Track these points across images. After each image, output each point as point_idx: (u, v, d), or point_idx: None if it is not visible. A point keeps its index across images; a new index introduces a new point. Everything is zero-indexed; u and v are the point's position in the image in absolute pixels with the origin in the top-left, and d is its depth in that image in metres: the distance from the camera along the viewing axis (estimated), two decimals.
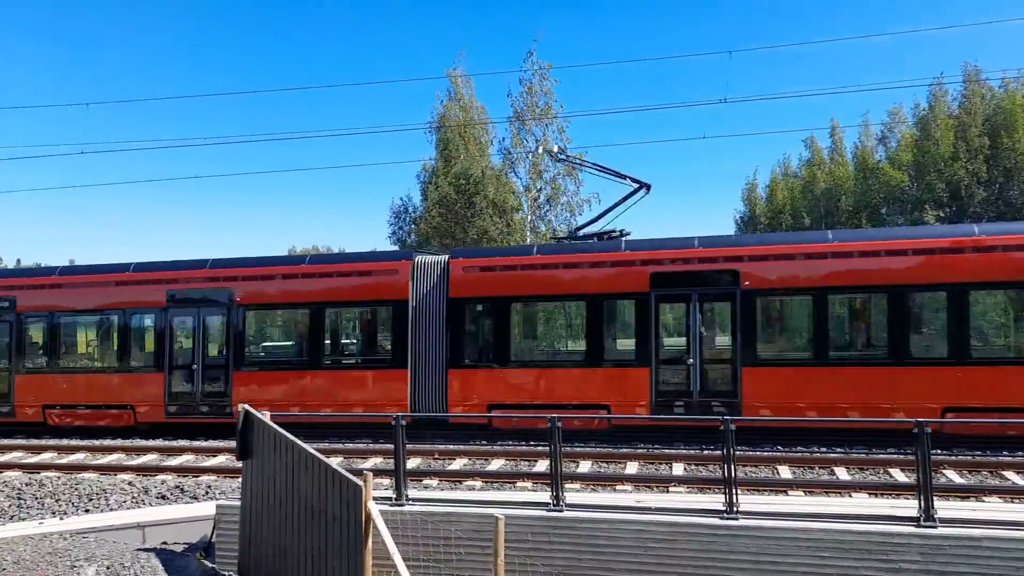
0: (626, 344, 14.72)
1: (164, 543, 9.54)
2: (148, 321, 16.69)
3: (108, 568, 8.79)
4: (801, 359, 13.78)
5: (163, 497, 11.28)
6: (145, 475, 12.49)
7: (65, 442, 15.31)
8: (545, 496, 8.46)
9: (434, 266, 15.38)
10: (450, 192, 33.47)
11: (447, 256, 15.58)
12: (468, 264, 15.14)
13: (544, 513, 7.67)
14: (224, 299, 16.00)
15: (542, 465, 12.13)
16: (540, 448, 12.85)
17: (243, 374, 15.86)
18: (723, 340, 14.55)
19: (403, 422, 8.50)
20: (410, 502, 8.32)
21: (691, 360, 13.83)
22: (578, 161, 20.70)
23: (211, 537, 9.28)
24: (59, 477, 12.35)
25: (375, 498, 6.96)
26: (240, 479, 9.18)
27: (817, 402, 13.11)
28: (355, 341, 17.00)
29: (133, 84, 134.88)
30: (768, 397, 13.37)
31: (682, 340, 14.37)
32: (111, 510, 10.88)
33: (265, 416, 8.51)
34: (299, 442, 7.69)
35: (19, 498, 11.59)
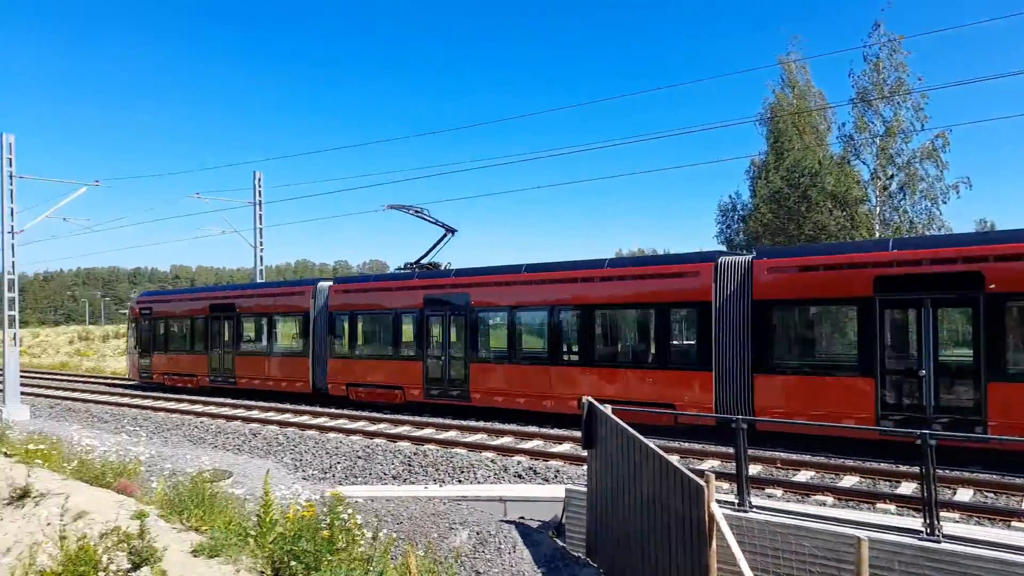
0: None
1: (521, 518, 10.60)
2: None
3: (477, 534, 10.07)
4: None
5: (519, 476, 12.56)
6: (504, 455, 14.03)
7: (440, 420, 17.90)
8: (912, 522, 7.51)
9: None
10: (782, 186, 31.53)
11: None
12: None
13: (915, 541, 6.81)
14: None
15: (905, 487, 10.82)
16: (905, 469, 11.51)
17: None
18: None
19: (743, 426, 8.26)
20: (753, 509, 8.05)
21: None
22: None
23: (561, 518, 10.06)
24: (438, 450, 14.50)
25: (717, 501, 6.89)
26: (585, 467, 9.80)
27: None
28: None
29: (488, 106, 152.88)
30: None
31: None
32: (478, 483, 12.44)
33: (607, 409, 8.97)
34: (640, 436, 7.95)
35: (409, 465, 13.88)
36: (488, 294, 18.37)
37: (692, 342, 15.67)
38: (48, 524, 7.11)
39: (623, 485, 8.37)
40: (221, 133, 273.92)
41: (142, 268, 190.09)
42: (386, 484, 13.12)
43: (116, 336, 47.62)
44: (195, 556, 6.39)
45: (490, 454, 14.13)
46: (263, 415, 19.69)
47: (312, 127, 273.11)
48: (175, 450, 15.68)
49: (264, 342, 23.90)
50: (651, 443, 7.78)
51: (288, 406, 21.04)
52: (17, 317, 21.54)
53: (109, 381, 30.83)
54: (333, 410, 19.93)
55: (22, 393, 21.61)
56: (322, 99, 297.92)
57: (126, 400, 23.23)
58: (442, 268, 21.28)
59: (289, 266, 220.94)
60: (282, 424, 18.24)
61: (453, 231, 21.69)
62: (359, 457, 14.51)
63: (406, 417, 18.38)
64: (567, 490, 10.06)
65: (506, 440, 15.53)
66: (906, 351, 13.38)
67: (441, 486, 12.33)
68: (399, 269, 22.41)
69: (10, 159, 20.96)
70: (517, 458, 13.73)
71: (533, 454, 14.03)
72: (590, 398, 9.61)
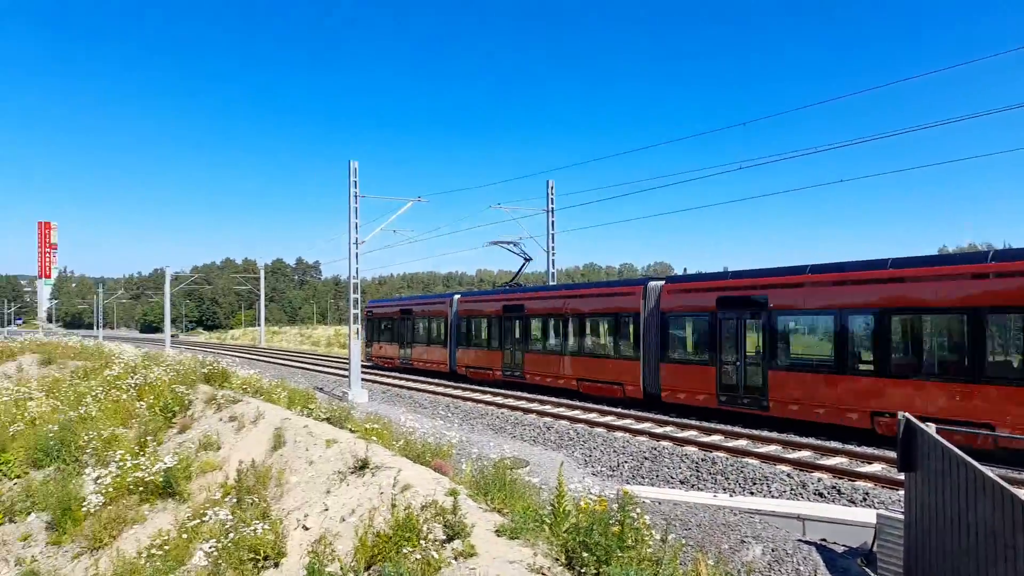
0: None
1: (823, 540, 9.74)
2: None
3: (772, 551, 9.46)
4: None
5: (819, 494, 11.55)
6: (802, 470, 13.02)
7: (729, 427, 17.21)
8: None
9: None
10: None
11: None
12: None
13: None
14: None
15: None
16: None
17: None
18: None
19: None
20: None
21: None
22: None
23: (872, 546, 9.03)
24: (727, 458, 13.96)
25: None
26: (903, 492, 8.67)
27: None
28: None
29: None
30: None
31: None
32: (772, 496, 11.71)
33: (930, 428, 7.82)
34: (973, 461, 6.79)
35: (697, 470, 13.57)
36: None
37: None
38: (381, 493, 8.29)
39: (952, 516, 7.22)
40: (518, 148, 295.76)
41: (453, 273, 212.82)
42: (673, 488, 12.98)
43: None
44: (498, 535, 6.95)
45: (785, 468, 13.21)
46: (554, 410, 20.75)
47: (602, 134, 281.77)
48: (480, 437, 17.25)
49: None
50: (987, 470, 6.61)
51: (577, 403, 21.91)
52: (360, 314, 25.49)
53: (428, 371, 35.04)
54: (620, 409, 20.28)
55: (362, 379, 25.51)
56: (608, 107, 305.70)
57: (440, 390, 26.17)
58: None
59: (578, 269, 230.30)
60: (572, 420, 19.05)
61: None
62: (646, 458, 14.56)
63: (692, 421, 18.01)
64: (879, 516, 8.99)
65: (804, 454, 14.39)
66: (732, 348, 18.58)
67: (731, 496, 11.84)
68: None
69: (355, 182, 24.91)
70: (817, 475, 12.64)
71: (837, 472, 12.79)
72: (907, 414, 8.48)
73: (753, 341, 18.22)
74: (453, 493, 7.26)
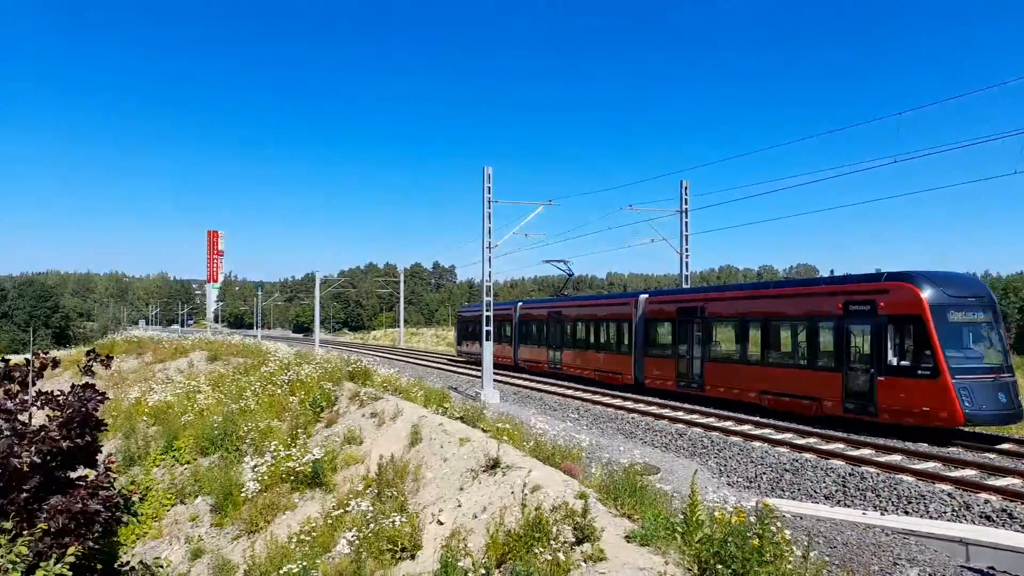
0: None
1: (991, 568, 8.84)
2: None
3: None
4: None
5: (987, 517, 10.49)
6: (965, 490, 11.87)
7: (882, 441, 16.02)
8: None
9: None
10: None
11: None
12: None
13: None
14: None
15: None
16: None
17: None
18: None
19: None
20: None
21: None
22: None
23: None
24: (878, 474, 12.98)
25: None
26: None
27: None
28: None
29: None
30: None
31: None
32: (930, 517, 10.77)
33: None
34: None
35: (843, 485, 12.72)
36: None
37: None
38: (512, 492, 8.42)
39: None
40: (652, 148, 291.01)
41: (583, 276, 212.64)
42: (816, 503, 12.26)
43: None
44: (627, 541, 6.87)
45: (946, 486, 12.09)
46: (687, 416, 20.20)
47: (739, 132, 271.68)
48: (610, 441, 17.09)
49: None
50: None
51: (711, 410, 21.23)
52: (492, 316, 26.03)
53: (561, 373, 35.21)
54: (757, 418, 19.43)
55: (494, 380, 26.03)
56: (745, 103, 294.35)
57: (569, 393, 26.20)
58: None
59: (713, 272, 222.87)
60: (706, 428, 18.45)
61: None
62: (786, 470, 13.84)
63: (839, 433, 16.91)
64: None
65: (967, 473, 13.11)
66: (685, 345, 24.09)
67: (883, 514, 11.01)
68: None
69: (489, 187, 25.50)
70: (984, 495, 11.46)
71: (1008, 494, 11.53)
72: None
73: (696, 340, 23.69)
74: (583, 496, 7.25)
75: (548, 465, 9.70)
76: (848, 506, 11.93)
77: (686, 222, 28.46)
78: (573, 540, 6.87)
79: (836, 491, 12.60)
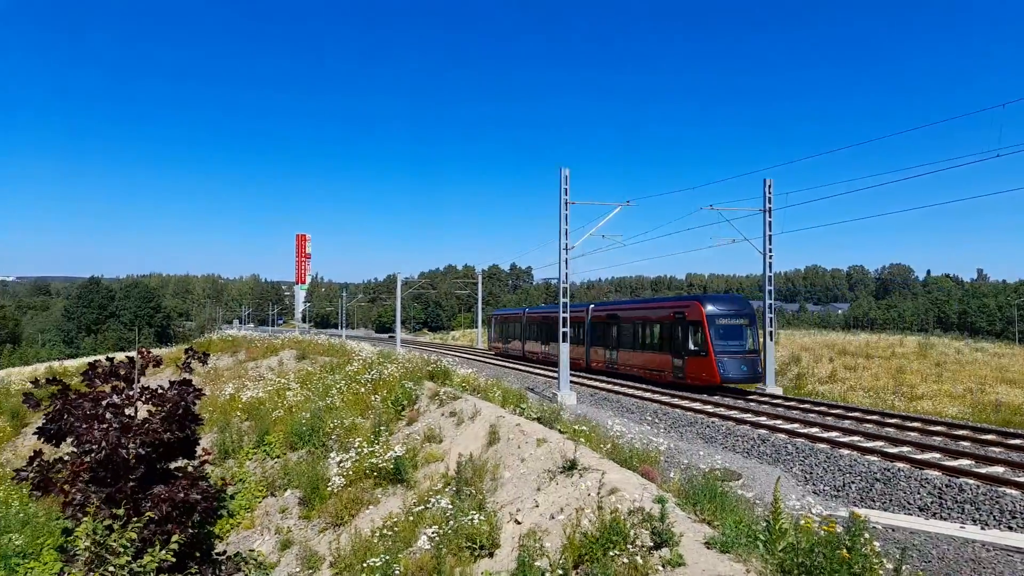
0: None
1: None
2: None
3: None
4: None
5: None
6: None
7: (980, 452, 15.12)
8: None
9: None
10: None
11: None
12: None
13: None
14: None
15: None
16: None
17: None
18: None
19: None
20: None
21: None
22: None
23: None
24: (978, 486, 12.25)
25: None
26: None
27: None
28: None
29: None
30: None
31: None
32: None
33: None
34: None
35: (939, 497, 12.07)
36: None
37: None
38: (588, 494, 8.41)
39: None
40: (733, 145, 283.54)
41: (662, 277, 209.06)
42: (910, 514, 11.68)
43: None
44: (707, 547, 6.76)
45: None
46: (770, 422, 19.61)
47: (825, 128, 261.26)
48: (689, 445, 16.79)
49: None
50: None
51: (795, 415, 20.53)
52: (568, 318, 26.00)
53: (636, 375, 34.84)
54: (847, 425, 18.65)
55: (571, 381, 25.99)
56: (833, 99, 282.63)
57: (648, 395, 25.87)
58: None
59: (799, 272, 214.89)
60: (791, 434, 17.87)
61: None
62: (876, 479, 13.26)
63: (935, 443, 16.05)
64: None
65: None
66: (610, 339, 33.93)
67: (983, 529, 10.40)
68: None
69: (566, 189, 25.48)
70: None
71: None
72: None
73: (613, 336, 33.87)
74: (661, 500, 7.18)
75: (625, 468, 9.64)
76: (944, 519, 11.32)
77: (769, 221, 27.59)
78: (651, 544, 6.82)
79: (931, 503, 11.98)
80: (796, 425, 19.17)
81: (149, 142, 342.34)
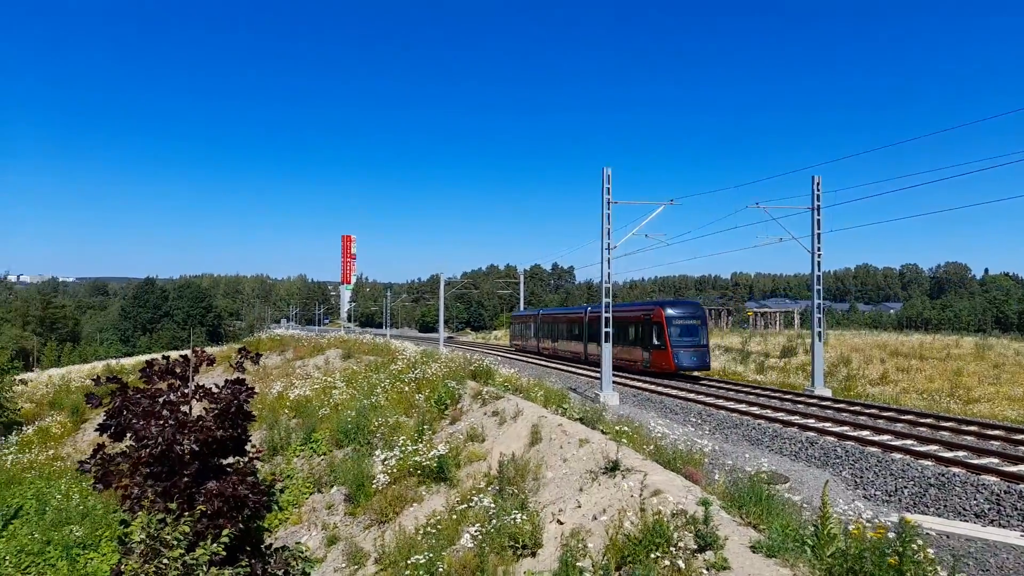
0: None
1: None
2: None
3: None
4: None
5: None
6: None
7: None
8: None
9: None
10: None
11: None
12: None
13: None
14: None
15: None
16: None
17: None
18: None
19: None
20: None
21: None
22: None
23: None
24: None
25: None
26: None
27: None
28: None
29: None
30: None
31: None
32: None
33: None
34: None
35: (997, 504, 11.67)
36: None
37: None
38: (631, 495, 8.37)
39: None
40: (780, 141, 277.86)
41: (706, 276, 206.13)
42: (966, 521, 11.31)
43: None
44: (753, 552, 6.66)
45: None
46: (819, 424, 19.19)
47: (879, 123, 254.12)
48: (734, 447, 16.55)
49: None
50: None
51: (844, 418, 20.05)
52: (611, 318, 25.88)
53: (679, 377, 34.42)
54: (899, 428, 18.14)
55: (613, 382, 25.85)
56: (886, 91, 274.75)
57: (691, 397, 25.58)
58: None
59: (849, 272, 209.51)
60: (840, 437, 17.46)
61: None
62: (931, 485, 12.87)
63: (993, 447, 15.50)
64: None
65: None
66: (556, 334, 48.29)
67: None
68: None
69: (608, 188, 25.36)
70: None
71: None
72: None
73: (557, 331, 46.54)
74: (705, 503, 7.11)
75: (668, 469, 9.57)
76: (1003, 526, 10.93)
77: (818, 219, 26.98)
78: (695, 547, 6.76)
79: (989, 509, 11.58)
80: (846, 428, 18.73)
81: (200, 148, 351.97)
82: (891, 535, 6.04)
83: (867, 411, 21.55)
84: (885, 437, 17.24)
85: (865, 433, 17.85)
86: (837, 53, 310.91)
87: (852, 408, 22.28)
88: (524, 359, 45.06)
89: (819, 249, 27.11)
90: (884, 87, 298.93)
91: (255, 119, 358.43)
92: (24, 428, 30.81)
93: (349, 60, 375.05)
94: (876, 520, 7.81)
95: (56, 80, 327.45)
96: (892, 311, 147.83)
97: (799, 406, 23.02)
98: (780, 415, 21.08)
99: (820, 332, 27.21)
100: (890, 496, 12.88)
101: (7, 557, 15.22)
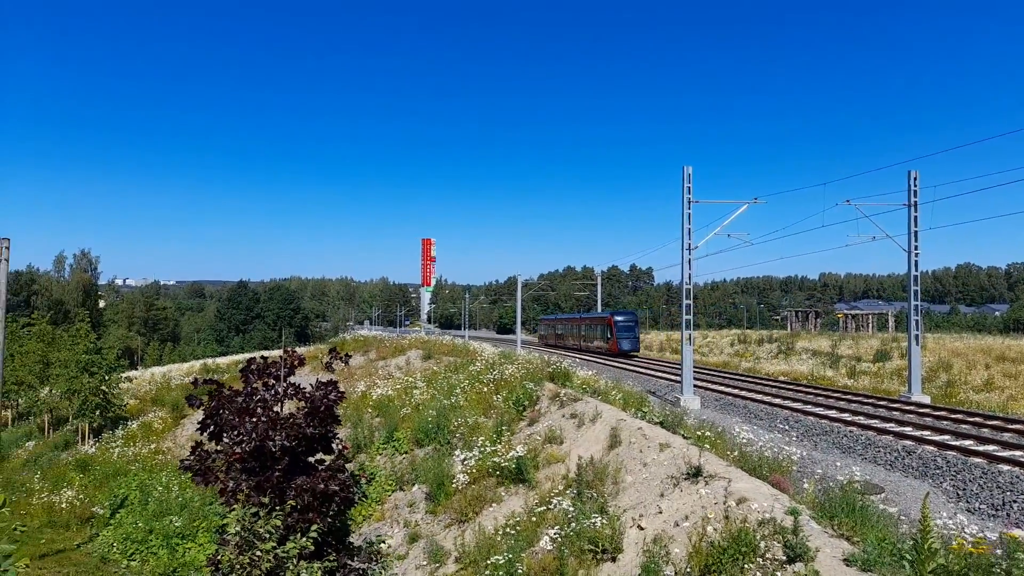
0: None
1: None
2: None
3: None
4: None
5: None
6: None
7: None
8: None
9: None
10: None
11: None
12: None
13: None
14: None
15: None
16: None
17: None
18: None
19: None
20: None
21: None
22: None
23: None
24: None
25: None
26: None
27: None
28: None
29: None
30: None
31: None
32: None
33: None
34: None
35: None
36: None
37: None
38: (715, 503, 8.17)
39: None
40: (874, 136, 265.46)
41: (792, 277, 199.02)
42: None
43: (770, 340, 51.15)
44: (846, 565, 6.38)
45: None
46: (917, 432, 18.19)
47: (979, 116, 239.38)
48: (824, 455, 15.89)
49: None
50: None
51: (945, 426, 18.92)
52: (692, 320, 25.36)
53: (761, 380, 33.34)
54: (1007, 438, 16.98)
55: (694, 386, 25.30)
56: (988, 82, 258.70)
57: (778, 402, 24.73)
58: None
59: (949, 271, 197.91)
60: (940, 446, 16.49)
61: None
62: None
63: None
64: None
65: None
66: (557, 332, 70.87)
67: None
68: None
69: (689, 187, 24.84)
70: None
71: None
72: None
73: (581, 330, 61.47)
74: (794, 512, 6.86)
75: (754, 477, 9.27)
76: None
77: (915, 216, 25.60)
78: (783, 558, 6.53)
79: None
80: (946, 437, 17.67)
81: (290, 161, 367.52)
82: (999, 551, 5.66)
83: (970, 419, 20.27)
84: (991, 447, 16.17)
85: (968, 443, 16.80)
86: (935, 44, 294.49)
87: (953, 416, 21.01)
88: (620, 365, 44.75)
89: (916, 248, 25.72)
90: (982, 77, 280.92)
91: (343, 134, 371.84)
92: (129, 423, 32.80)
93: (437, 75, 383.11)
94: (982, 535, 7.34)
95: (161, 103, 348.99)
96: (997, 313, 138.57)
97: (894, 413, 21.88)
98: (874, 422, 20.10)
99: (917, 335, 25.79)
100: (997, 510, 12.06)
101: (114, 544, 16.24)
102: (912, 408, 22.83)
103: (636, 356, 51.76)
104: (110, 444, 28.93)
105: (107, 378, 32.47)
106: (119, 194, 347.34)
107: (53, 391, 36.04)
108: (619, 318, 53.50)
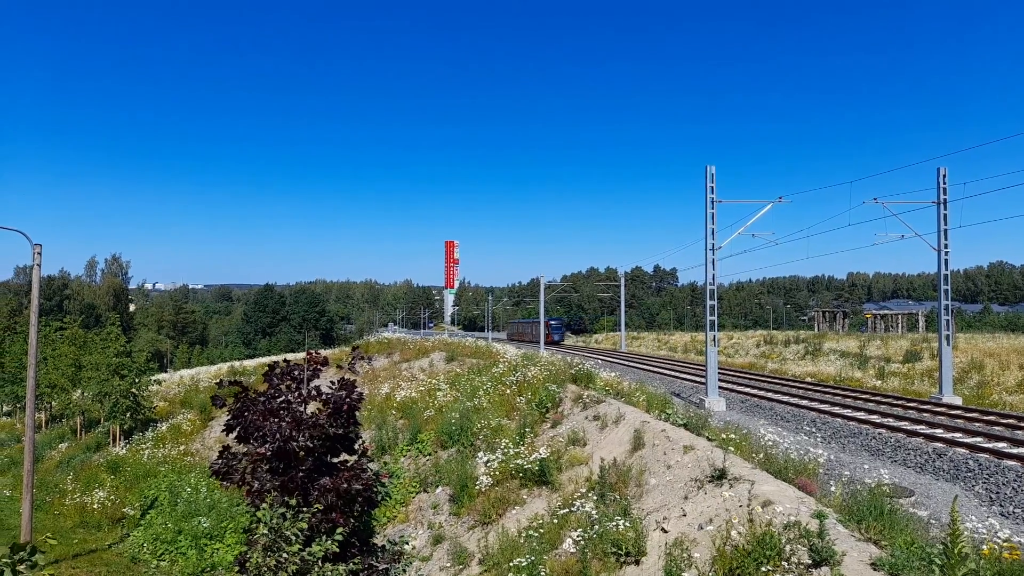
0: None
1: None
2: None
3: None
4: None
5: None
6: None
7: None
8: None
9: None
10: None
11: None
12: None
13: None
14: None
15: None
16: None
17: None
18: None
19: None
20: None
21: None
22: None
23: None
24: None
25: None
26: None
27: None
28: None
29: None
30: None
31: None
32: None
33: None
34: None
35: None
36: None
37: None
38: (739, 505, 8.09)
39: None
40: (902, 133, 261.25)
41: (819, 276, 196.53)
42: None
43: (797, 341, 50.50)
44: (874, 569, 6.29)
45: None
46: (948, 435, 17.84)
47: (1006, 111, 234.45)
48: (852, 458, 15.66)
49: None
50: None
51: (977, 428, 18.54)
52: (716, 321, 25.15)
53: (788, 382, 32.92)
54: None
55: (719, 387, 25.07)
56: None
57: (804, 403, 24.41)
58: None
59: (981, 270, 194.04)
60: (972, 448, 16.16)
61: None
62: None
63: None
64: None
65: None
66: (523, 331, 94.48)
67: None
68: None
69: (712, 187, 24.66)
70: None
71: None
72: None
73: (519, 329, 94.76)
74: (820, 515, 6.77)
75: (779, 479, 9.17)
76: None
77: (945, 214, 25.13)
78: (809, 562, 6.44)
79: None
80: (979, 439, 17.32)
81: (313, 158, 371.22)
82: None
83: (1003, 421, 19.84)
84: (1022, 450, 15.82)
85: (1002, 445, 16.44)
86: (963, 40, 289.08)
87: (986, 418, 20.58)
88: (644, 367, 44.43)
89: (946, 246, 25.26)
90: (1013, 72, 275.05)
91: (368, 137, 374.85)
92: (159, 425, 33.35)
93: (457, 79, 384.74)
94: (1014, 540, 7.17)
95: (194, 111, 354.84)
96: None
97: (924, 414, 21.49)
98: (903, 424, 19.76)
99: (948, 335, 25.32)
100: None
101: (145, 544, 16.52)
102: (943, 410, 22.40)
103: (562, 344, 77.12)
104: (140, 446, 29.42)
105: (137, 381, 33.02)
106: (149, 200, 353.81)
107: (85, 394, 36.74)
108: (553, 321, 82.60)
